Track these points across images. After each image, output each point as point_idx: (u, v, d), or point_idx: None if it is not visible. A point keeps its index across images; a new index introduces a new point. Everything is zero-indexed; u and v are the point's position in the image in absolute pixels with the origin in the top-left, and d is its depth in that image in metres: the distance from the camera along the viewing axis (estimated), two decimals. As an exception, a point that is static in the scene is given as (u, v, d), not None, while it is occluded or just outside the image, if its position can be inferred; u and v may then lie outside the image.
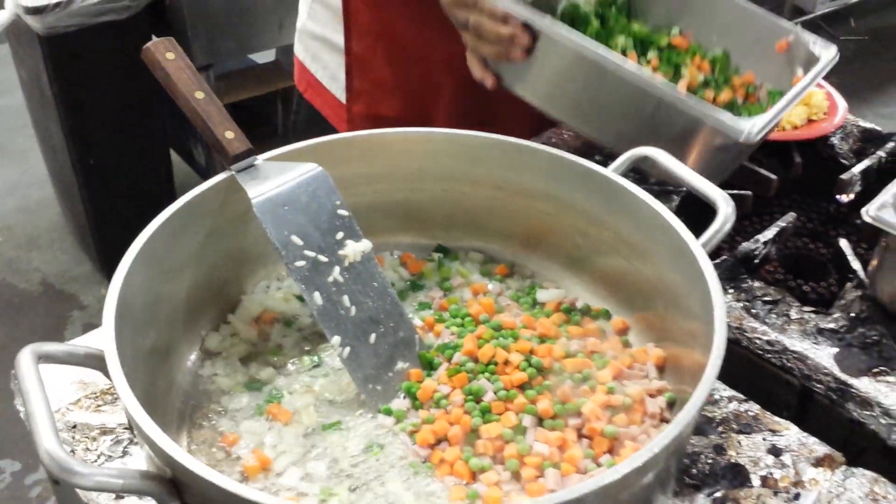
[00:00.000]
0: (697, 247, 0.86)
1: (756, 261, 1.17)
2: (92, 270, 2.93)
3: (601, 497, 0.65)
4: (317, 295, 0.89)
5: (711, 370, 0.72)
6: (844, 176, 1.26)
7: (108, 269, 2.86)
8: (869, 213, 0.99)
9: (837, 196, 1.29)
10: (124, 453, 0.93)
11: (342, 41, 1.40)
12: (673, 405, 0.90)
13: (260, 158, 0.93)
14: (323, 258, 0.91)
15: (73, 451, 0.94)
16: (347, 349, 0.90)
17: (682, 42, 1.32)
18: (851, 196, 1.28)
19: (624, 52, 1.27)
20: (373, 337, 0.92)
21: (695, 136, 1.06)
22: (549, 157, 0.99)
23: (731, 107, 1.21)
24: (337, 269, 0.91)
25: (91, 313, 2.77)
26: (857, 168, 1.28)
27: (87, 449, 0.94)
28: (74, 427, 0.96)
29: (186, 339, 0.96)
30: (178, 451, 0.65)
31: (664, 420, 0.88)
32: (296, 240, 0.89)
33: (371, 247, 0.94)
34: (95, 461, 0.92)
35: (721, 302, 0.78)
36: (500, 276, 1.07)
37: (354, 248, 0.93)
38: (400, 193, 1.07)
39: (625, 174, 0.97)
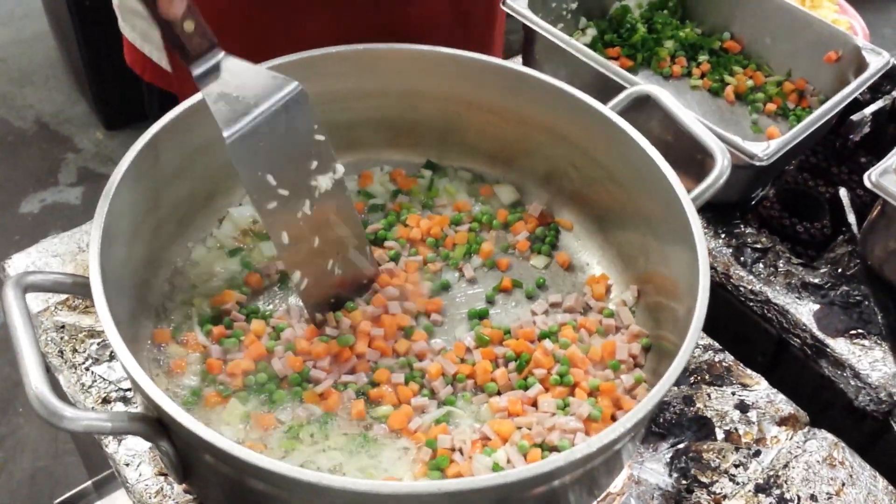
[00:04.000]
0: (688, 201, 0.85)
1: (752, 202, 1.16)
2: (87, 112, 2.87)
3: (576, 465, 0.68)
4: (284, 235, 0.86)
5: (683, 354, 0.73)
6: (854, 117, 1.23)
7: (102, 113, 2.80)
8: (871, 178, 0.97)
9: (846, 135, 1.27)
10: (111, 357, 0.96)
11: None
12: (648, 350, 0.92)
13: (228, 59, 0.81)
14: (294, 194, 0.86)
15: (60, 351, 0.96)
16: (305, 281, 0.89)
17: (734, 46, 1.33)
18: (858, 138, 1.25)
19: (672, 57, 1.31)
20: (330, 263, 0.91)
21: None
22: (549, 88, 0.96)
23: (781, 112, 1.26)
24: (307, 202, 0.88)
25: (85, 157, 2.74)
26: (869, 109, 1.24)
27: (75, 350, 0.96)
28: (63, 328, 0.98)
29: (174, 252, 0.96)
30: (165, 400, 0.66)
31: (638, 365, 0.91)
32: (270, 179, 0.84)
33: (343, 171, 0.90)
34: (83, 363, 0.95)
35: (706, 269, 0.78)
36: (485, 196, 1.07)
37: (326, 179, 0.89)
38: (393, 110, 1.04)
39: (623, 112, 0.94)
